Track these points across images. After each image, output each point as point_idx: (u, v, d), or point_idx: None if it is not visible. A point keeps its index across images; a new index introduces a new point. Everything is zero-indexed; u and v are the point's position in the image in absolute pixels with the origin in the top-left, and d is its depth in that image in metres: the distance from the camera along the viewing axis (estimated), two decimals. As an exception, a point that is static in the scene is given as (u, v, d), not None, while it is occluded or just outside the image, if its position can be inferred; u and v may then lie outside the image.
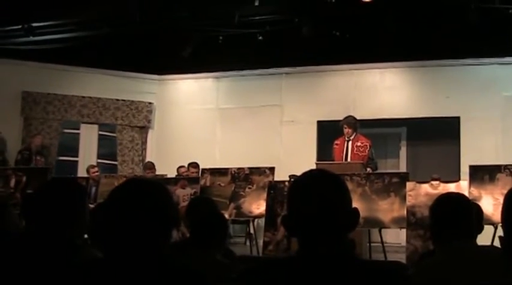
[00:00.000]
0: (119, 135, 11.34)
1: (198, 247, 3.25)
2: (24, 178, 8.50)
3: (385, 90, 10.25)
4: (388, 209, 7.05)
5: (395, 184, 7.17)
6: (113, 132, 11.40)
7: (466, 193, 6.60)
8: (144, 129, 11.48)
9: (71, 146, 11.24)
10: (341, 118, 8.47)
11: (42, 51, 10.22)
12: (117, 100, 11.26)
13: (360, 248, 6.65)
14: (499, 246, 2.14)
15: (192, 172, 9.30)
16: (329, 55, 10.05)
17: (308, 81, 10.60)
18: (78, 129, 11.26)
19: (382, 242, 6.98)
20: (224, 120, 11.00)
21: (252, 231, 8.05)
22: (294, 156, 9.79)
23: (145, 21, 9.54)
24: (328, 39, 9.79)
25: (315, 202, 1.72)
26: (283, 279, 1.68)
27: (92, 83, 11.13)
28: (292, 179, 6.91)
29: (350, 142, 8.15)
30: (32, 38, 10.03)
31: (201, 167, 9.07)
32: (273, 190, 7.58)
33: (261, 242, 7.55)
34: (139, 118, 11.40)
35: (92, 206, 5.19)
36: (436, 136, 10.01)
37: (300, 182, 1.82)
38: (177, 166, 9.79)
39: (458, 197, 2.78)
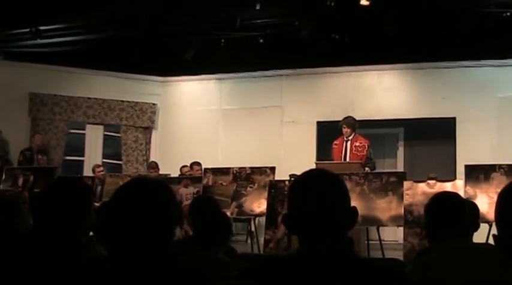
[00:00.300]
0: (124, 135, 11.34)
1: (201, 245, 3.25)
2: (31, 177, 8.52)
3: (383, 92, 10.25)
4: (385, 207, 7.05)
5: (393, 183, 7.16)
6: (118, 132, 11.41)
7: (462, 192, 6.61)
8: (148, 130, 11.48)
9: (77, 146, 11.25)
10: (340, 119, 8.47)
11: (49, 54, 10.24)
12: (122, 101, 11.26)
13: (358, 245, 6.65)
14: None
15: (197, 170, 9.31)
16: (328, 57, 10.05)
17: (308, 82, 10.60)
18: (84, 130, 11.27)
19: (380, 240, 6.97)
20: (226, 121, 11.00)
21: (253, 229, 8.05)
22: (294, 156, 9.79)
23: (150, 24, 9.54)
24: (327, 41, 9.78)
25: (314, 201, 1.71)
26: (284, 277, 1.68)
27: (97, 85, 11.14)
28: (292, 179, 6.91)
29: (349, 142, 8.15)
30: (39, 41, 10.06)
31: (203, 166, 9.07)
32: (274, 189, 7.58)
33: (262, 240, 7.55)
34: (144, 119, 11.40)
35: (97, 204, 5.21)
36: (433, 136, 10.00)
37: (300, 181, 1.82)
38: (180, 166, 9.80)
39: (452, 196, 2.78)
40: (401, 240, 7.19)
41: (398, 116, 10.08)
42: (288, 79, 10.77)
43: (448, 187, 6.85)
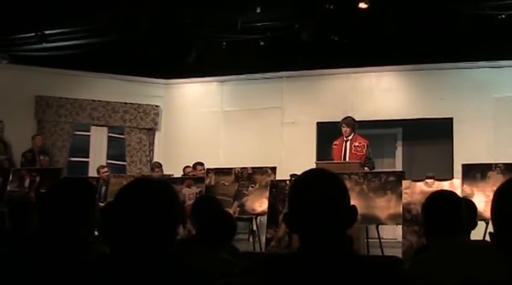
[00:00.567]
0: (128, 136, 11.35)
1: (204, 244, 3.24)
2: (37, 178, 8.52)
3: (382, 93, 10.24)
4: (384, 206, 7.04)
5: (392, 183, 7.15)
6: (122, 133, 11.41)
7: (459, 191, 6.60)
8: (151, 131, 11.49)
9: (82, 148, 11.26)
10: (340, 120, 8.46)
11: (54, 57, 10.25)
12: (126, 103, 11.27)
13: (358, 243, 6.64)
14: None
15: (200, 170, 9.31)
16: (328, 59, 10.05)
17: (308, 84, 10.60)
18: (89, 131, 11.27)
19: (379, 238, 6.97)
20: (228, 122, 11.00)
21: (255, 228, 8.04)
22: (295, 156, 9.79)
23: (152, 28, 9.55)
24: (326, 44, 9.78)
25: (314, 200, 1.71)
26: (285, 275, 1.68)
27: (101, 87, 11.15)
28: (293, 179, 6.90)
29: (348, 142, 8.14)
30: (44, 45, 10.07)
31: (205, 167, 9.07)
32: (275, 188, 7.57)
33: (263, 239, 7.54)
34: (147, 121, 11.41)
35: (102, 205, 5.21)
36: (431, 136, 10.00)
37: (300, 181, 1.82)
38: (183, 166, 9.80)
39: (448, 194, 2.77)
40: (400, 238, 7.18)
41: (397, 116, 10.08)
42: (288, 81, 10.77)
43: (445, 185, 6.85)
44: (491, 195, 1.53)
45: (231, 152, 10.49)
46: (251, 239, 8.21)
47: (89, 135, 11.28)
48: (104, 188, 8.94)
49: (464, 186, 6.89)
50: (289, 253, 1.77)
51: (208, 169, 8.72)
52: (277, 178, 7.90)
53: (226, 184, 8.14)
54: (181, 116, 11.34)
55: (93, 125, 11.21)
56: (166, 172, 9.61)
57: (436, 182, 7.03)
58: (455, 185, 6.90)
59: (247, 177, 8.07)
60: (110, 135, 11.39)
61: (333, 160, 8.22)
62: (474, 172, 6.98)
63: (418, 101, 10.05)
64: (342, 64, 10.16)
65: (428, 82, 10.02)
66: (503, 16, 8.64)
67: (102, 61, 10.49)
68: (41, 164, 9.82)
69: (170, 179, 8.54)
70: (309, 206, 1.71)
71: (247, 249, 7.17)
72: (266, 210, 7.56)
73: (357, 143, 8.11)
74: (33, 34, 9.94)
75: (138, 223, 1.67)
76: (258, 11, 8.91)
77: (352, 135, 8.16)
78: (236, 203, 7.84)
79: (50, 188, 2.46)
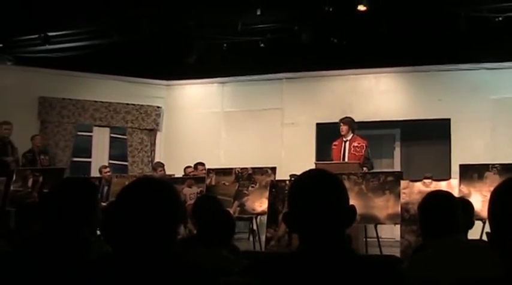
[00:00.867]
0: (129, 137, 11.35)
1: (205, 243, 3.24)
2: (41, 178, 8.52)
3: (380, 94, 10.24)
4: (383, 206, 7.04)
5: (390, 183, 7.14)
6: (124, 134, 11.42)
7: (456, 191, 6.60)
8: (152, 132, 11.49)
9: (85, 148, 11.26)
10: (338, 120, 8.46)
11: (58, 59, 10.26)
12: (128, 104, 11.27)
13: (356, 243, 6.64)
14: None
15: (201, 170, 9.31)
16: (327, 61, 10.05)
17: (307, 85, 10.60)
18: (91, 132, 11.28)
19: (377, 237, 6.96)
20: (228, 123, 11.00)
21: (255, 227, 8.04)
22: (294, 156, 9.80)
23: (154, 30, 9.55)
24: (326, 46, 9.79)
25: (314, 200, 1.71)
26: (284, 274, 1.68)
27: (103, 88, 11.15)
28: (292, 179, 6.90)
29: (347, 143, 8.13)
30: (48, 47, 10.09)
31: (206, 167, 9.08)
32: (275, 188, 7.57)
33: (263, 238, 7.54)
34: (149, 121, 11.42)
35: (104, 204, 5.21)
36: (428, 137, 10.00)
37: (300, 181, 1.82)
38: (184, 166, 9.80)
39: (444, 194, 2.77)
40: (398, 238, 7.18)
41: (395, 117, 10.08)
42: (288, 82, 10.77)
43: (443, 186, 6.84)
44: (488, 195, 1.53)
45: (232, 152, 10.50)
46: (251, 239, 8.21)
47: (91, 136, 11.29)
48: (106, 188, 8.94)
49: (462, 186, 6.89)
50: (289, 252, 1.77)
51: (209, 169, 8.72)
52: (277, 178, 7.89)
53: (227, 184, 8.13)
54: (183, 117, 11.35)
55: (96, 126, 11.22)
56: (167, 172, 9.61)
57: (434, 183, 7.02)
58: (453, 185, 6.89)
59: (247, 177, 8.07)
60: (112, 135, 11.40)
61: (332, 160, 8.22)
62: (471, 173, 6.98)
63: (416, 102, 10.05)
64: (341, 66, 10.16)
65: (426, 83, 10.02)
66: (500, 18, 8.65)
67: (104, 63, 10.51)
68: (42, 163, 9.79)
69: (171, 179, 8.54)
70: (309, 206, 1.71)
71: (247, 248, 7.16)
72: (266, 210, 7.56)
73: (355, 144, 8.10)
74: (36, 36, 9.95)
75: (140, 223, 1.67)
76: (258, 13, 8.91)
77: (351, 135, 8.16)
78: (236, 203, 7.83)
79: (53, 188, 2.46)
